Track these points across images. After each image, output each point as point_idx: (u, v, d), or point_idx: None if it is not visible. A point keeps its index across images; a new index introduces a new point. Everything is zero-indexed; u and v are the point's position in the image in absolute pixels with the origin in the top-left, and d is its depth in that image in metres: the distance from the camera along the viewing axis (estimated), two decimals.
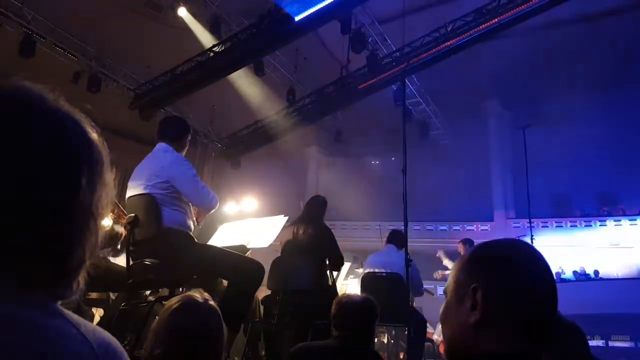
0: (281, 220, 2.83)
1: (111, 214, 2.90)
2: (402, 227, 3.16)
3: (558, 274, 12.78)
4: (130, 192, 2.42)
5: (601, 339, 10.90)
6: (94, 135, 0.54)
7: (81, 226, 0.50)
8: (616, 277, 12.45)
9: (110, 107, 9.75)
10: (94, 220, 0.51)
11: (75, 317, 0.49)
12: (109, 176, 0.55)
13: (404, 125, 3.29)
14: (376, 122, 12.66)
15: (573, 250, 13.25)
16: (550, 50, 10.98)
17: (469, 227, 14.54)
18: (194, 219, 2.54)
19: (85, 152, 0.52)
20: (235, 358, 3.21)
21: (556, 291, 0.79)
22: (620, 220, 13.40)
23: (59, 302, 0.49)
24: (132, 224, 2.29)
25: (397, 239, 4.32)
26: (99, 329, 0.51)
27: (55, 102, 0.51)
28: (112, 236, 3.26)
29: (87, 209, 0.50)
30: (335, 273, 3.62)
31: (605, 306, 10.37)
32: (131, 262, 2.35)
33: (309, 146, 15.99)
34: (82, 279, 0.52)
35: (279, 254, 3.53)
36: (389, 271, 3.96)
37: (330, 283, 3.47)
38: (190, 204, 2.44)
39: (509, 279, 0.78)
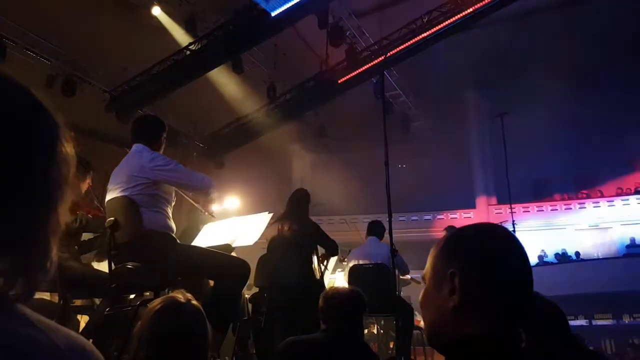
0: (266, 217, 2.82)
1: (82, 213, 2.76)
2: (387, 219, 3.19)
3: (541, 257, 13.06)
4: (109, 195, 2.38)
5: (585, 319, 11.20)
6: (51, 110, 0.48)
7: (38, 211, 0.44)
8: (596, 257, 12.78)
9: (86, 110, 9.54)
10: (52, 202, 0.46)
11: (42, 319, 0.45)
12: (69, 151, 0.49)
13: (384, 118, 3.31)
14: (358, 116, 12.68)
15: (554, 233, 13.56)
16: (526, 37, 11.16)
17: (452, 216, 14.75)
18: (207, 209, 2.51)
19: (39, 127, 0.46)
20: (226, 357, 3.20)
21: (531, 271, 0.81)
22: (598, 202, 13.75)
23: (24, 303, 0.45)
24: (112, 228, 2.25)
25: (377, 230, 4.36)
26: (70, 332, 0.47)
27: (6, 74, 0.46)
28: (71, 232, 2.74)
29: (44, 189, 0.45)
30: (327, 262, 3.67)
31: (587, 286, 10.65)
32: (114, 267, 2.31)
33: (292, 143, 15.93)
34: (49, 272, 0.46)
35: (265, 251, 3.53)
36: (374, 262, 3.99)
37: (317, 277, 3.49)
38: (171, 203, 2.41)
39: (485, 262, 0.79)
